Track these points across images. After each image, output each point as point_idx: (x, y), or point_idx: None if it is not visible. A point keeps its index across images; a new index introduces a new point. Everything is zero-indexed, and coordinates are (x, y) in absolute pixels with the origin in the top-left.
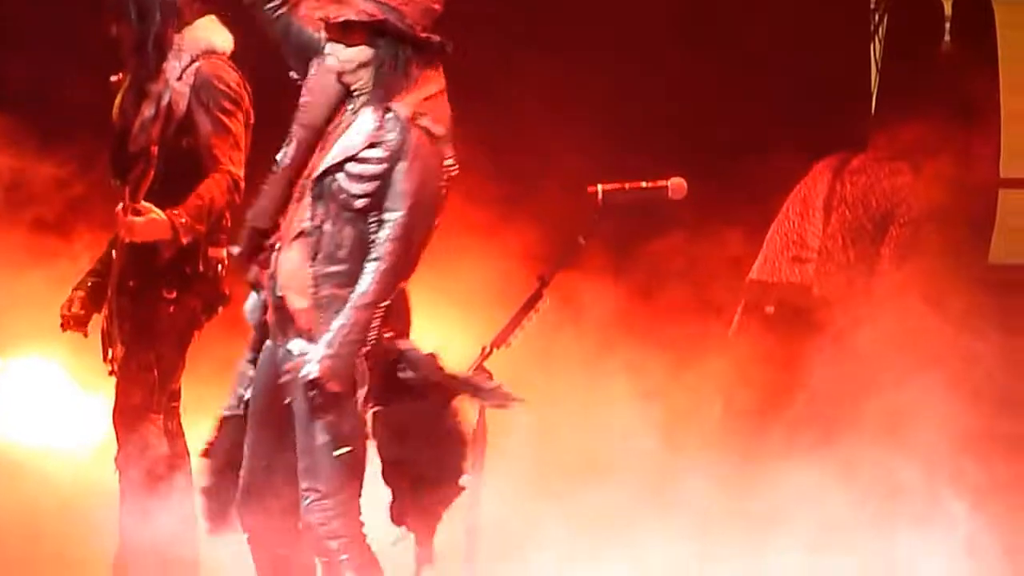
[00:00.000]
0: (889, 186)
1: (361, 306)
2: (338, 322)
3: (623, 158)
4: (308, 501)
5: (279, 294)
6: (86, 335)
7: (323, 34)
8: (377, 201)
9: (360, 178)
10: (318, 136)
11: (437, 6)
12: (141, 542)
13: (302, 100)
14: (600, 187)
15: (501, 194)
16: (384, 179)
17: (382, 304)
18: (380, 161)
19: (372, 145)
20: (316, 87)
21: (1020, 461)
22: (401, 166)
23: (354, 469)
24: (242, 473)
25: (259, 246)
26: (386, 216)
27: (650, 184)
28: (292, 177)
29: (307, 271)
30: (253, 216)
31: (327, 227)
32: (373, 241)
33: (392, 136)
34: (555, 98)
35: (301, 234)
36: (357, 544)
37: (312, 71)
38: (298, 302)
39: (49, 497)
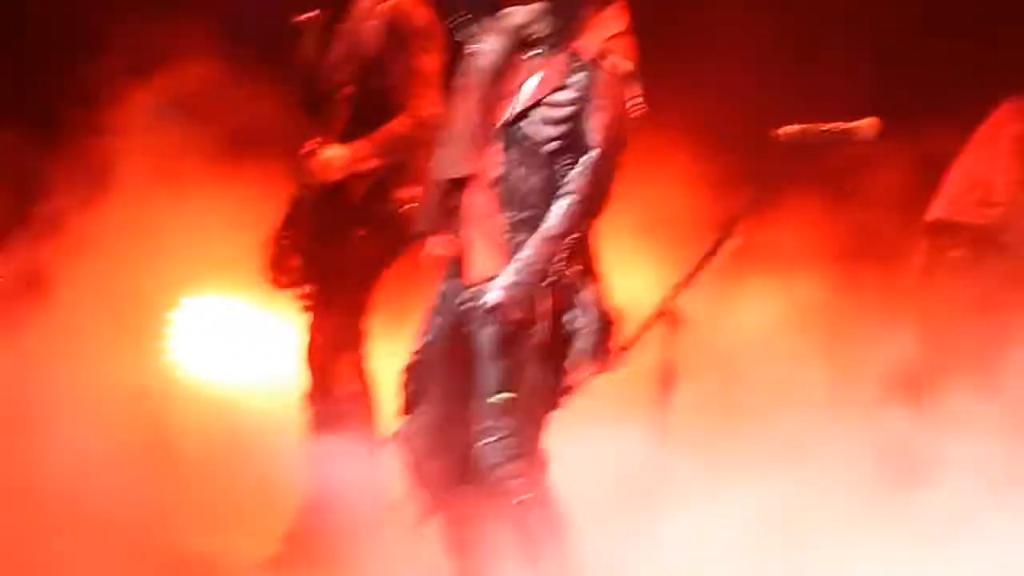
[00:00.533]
0: None
1: (549, 238)
2: (524, 252)
3: (813, 96)
4: (485, 442)
5: (467, 240)
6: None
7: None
8: (568, 144)
9: (550, 122)
10: (490, 89)
11: None
12: (328, 480)
13: (473, 61)
14: (787, 129)
15: (691, 129)
16: (574, 121)
17: (569, 237)
18: (570, 103)
19: (560, 88)
20: (486, 45)
21: None
22: (591, 106)
23: (536, 405)
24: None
25: (446, 200)
26: (580, 157)
27: (842, 125)
28: (472, 131)
29: (500, 218)
30: (436, 170)
31: (517, 173)
32: (565, 184)
33: (579, 77)
34: (745, 35)
35: (490, 182)
36: (540, 485)
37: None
38: (490, 249)
39: (239, 435)
